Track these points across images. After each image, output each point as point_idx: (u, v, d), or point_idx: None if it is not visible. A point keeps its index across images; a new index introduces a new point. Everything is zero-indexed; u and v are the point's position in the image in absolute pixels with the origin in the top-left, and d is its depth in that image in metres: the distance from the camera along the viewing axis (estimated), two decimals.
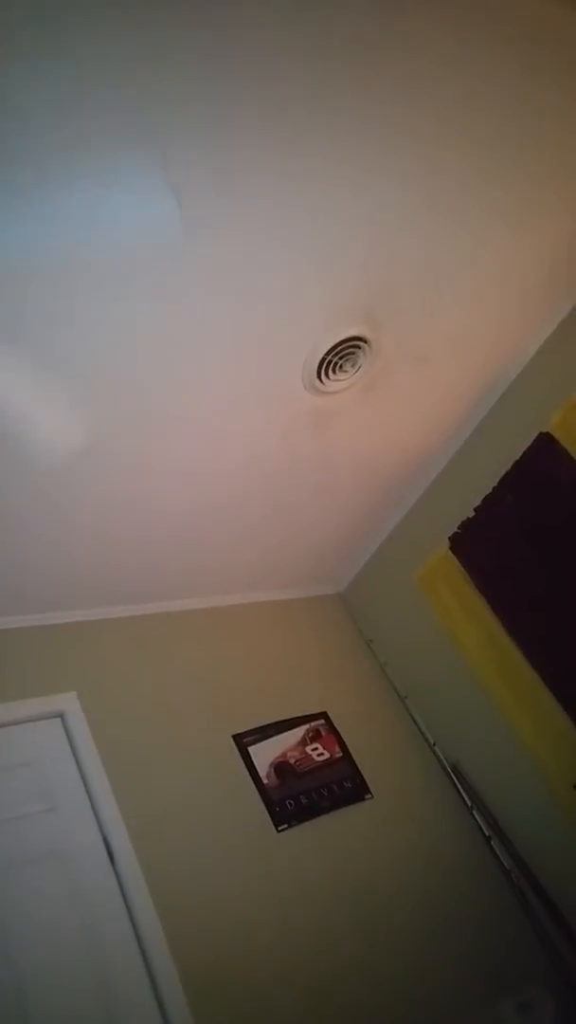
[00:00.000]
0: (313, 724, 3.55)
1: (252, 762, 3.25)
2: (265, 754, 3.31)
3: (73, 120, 1.66)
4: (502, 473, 3.32)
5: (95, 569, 3.22)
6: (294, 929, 2.76)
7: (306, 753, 3.41)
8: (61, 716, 2.96)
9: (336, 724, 3.60)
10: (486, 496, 3.39)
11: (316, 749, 3.45)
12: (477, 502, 3.43)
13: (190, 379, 2.52)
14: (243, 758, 3.25)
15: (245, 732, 3.34)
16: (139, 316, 2.20)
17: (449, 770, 3.64)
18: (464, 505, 3.49)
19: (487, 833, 3.40)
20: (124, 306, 2.14)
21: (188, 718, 3.26)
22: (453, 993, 2.85)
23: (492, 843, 3.37)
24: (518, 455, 3.25)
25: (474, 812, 3.47)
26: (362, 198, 2.22)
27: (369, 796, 3.37)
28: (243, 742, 3.30)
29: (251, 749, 3.29)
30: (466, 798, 3.52)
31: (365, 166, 2.13)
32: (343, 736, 3.56)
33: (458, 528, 3.52)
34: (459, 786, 3.57)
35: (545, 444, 3.13)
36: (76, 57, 1.57)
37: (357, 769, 3.46)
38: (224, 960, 2.57)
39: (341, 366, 2.75)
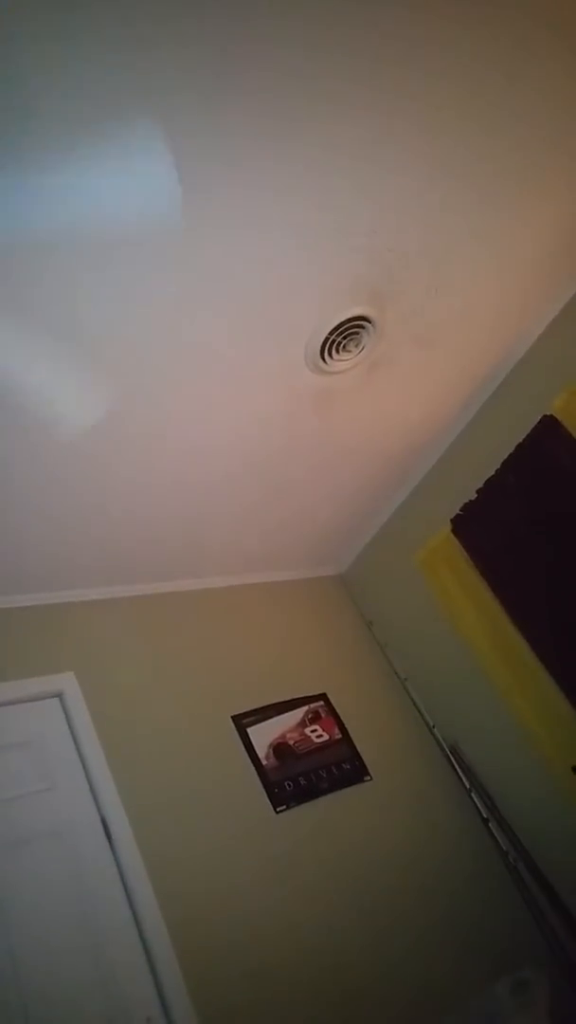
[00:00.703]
0: (312, 706, 3.54)
1: (251, 743, 3.25)
2: (264, 735, 3.31)
3: (71, 86, 1.61)
4: (505, 455, 3.29)
5: (95, 548, 3.20)
6: (292, 909, 2.78)
7: (305, 735, 3.41)
8: (60, 696, 2.95)
9: (335, 706, 3.60)
10: (488, 478, 3.37)
11: (315, 731, 3.45)
12: (479, 484, 3.41)
13: (192, 358, 2.49)
14: (242, 739, 3.25)
15: (244, 713, 3.34)
16: (140, 296, 2.16)
17: (448, 752, 3.64)
18: (466, 487, 3.47)
19: (485, 815, 3.41)
20: (125, 287, 2.10)
21: (187, 699, 3.26)
22: (450, 973, 2.87)
23: (490, 825, 3.39)
24: (521, 437, 3.22)
25: (472, 794, 3.48)
26: (366, 178, 2.18)
27: (368, 778, 3.38)
28: (242, 723, 3.30)
29: (250, 730, 3.29)
30: (464, 780, 3.53)
31: (369, 143, 2.09)
32: (342, 718, 3.57)
33: (460, 510, 3.50)
34: (458, 768, 3.57)
35: (548, 427, 3.10)
36: (75, 23, 1.52)
37: (356, 751, 3.46)
38: (222, 940, 2.57)
39: (345, 346, 2.72)
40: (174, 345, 2.39)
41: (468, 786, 3.51)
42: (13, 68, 1.53)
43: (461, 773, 3.55)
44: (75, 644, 3.17)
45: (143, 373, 2.44)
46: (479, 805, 3.45)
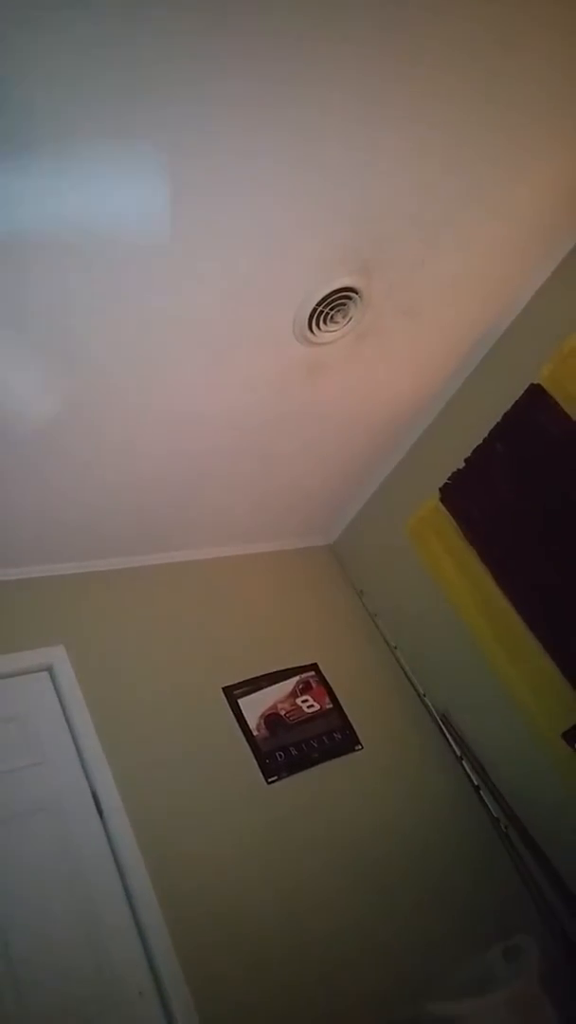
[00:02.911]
0: (303, 676, 3.56)
1: (242, 714, 3.26)
2: (255, 706, 3.32)
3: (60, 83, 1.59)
4: (493, 424, 3.28)
5: (84, 521, 3.17)
6: (284, 879, 2.81)
7: (296, 705, 3.43)
8: (49, 669, 2.95)
9: (326, 676, 3.61)
10: (476, 447, 3.35)
11: (306, 701, 3.47)
12: (468, 453, 3.39)
13: (179, 330, 2.46)
14: (233, 710, 3.26)
15: (235, 684, 3.35)
16: (127, 268, 2.13)
17: (438, 720, 3.67)
18: (455, 456, 3.46)
19: (476, 782, 3.45)
20: (113, 259, 2.07)
21: (178, 671, 3.26)
22: (442, 939, 2.91)
23: (481, 792, 3.42)
24: (509, 406, 3.20)
25: (463, 762, 3.51)
26: (352, 146, 2.13)
27: (359, 747, 3.40)
28: (233, 694, 3.31)
29: (241, 701, 3.30)
30: (455, 748, 3.56)
31: (355, 113, 2.04)
32: (333, 688, 3.58)
33: (448, 479, 3.49)
34: (448, 736, 3.60)
35: (536, 395, 3.09)
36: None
37: (347, 720, 3.48)
38: (213, 911, 2.60)
39: (332, 317, 2.70)
40: (160, 316, 2.36)
41: (459, 754, 3.54)
42: None
43: (452, 741, 3.58)
44: (65, 617, 3.16)
45: (131, 345, 2.41)
46: (470, 773, 3.48)
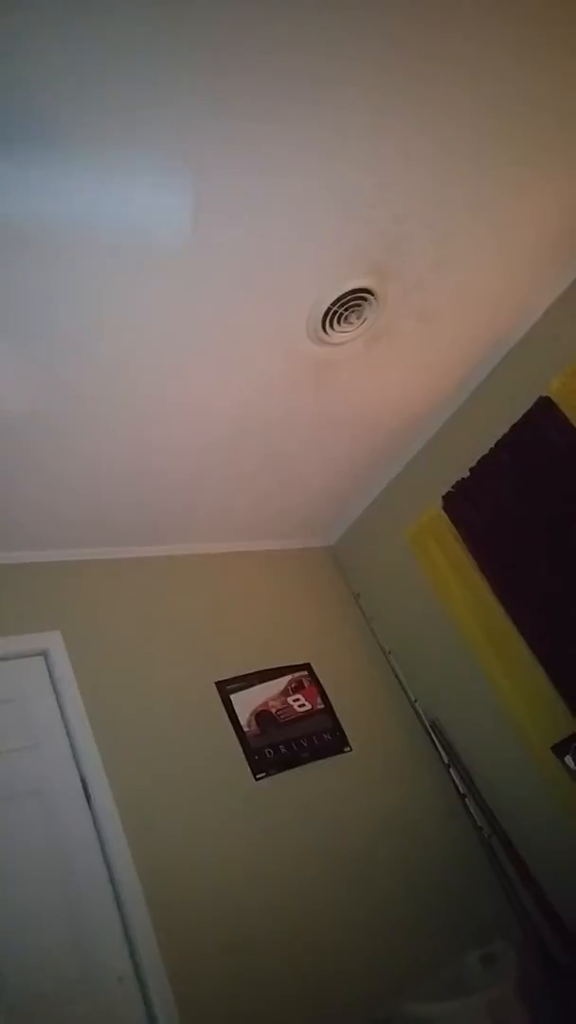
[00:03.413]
0: (296, 675, 3.56)
1: (234, 710, 3.26)
2: (247, 702, 3.33)
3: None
4: (500, 435, 3.29)
5: (86, 508, 3.18)
6: (267, 875, 2.81)
7: (288, 704, 3.43)
8: (44, 655, 2.96)
9: (319, 676, 3.62)
10: (482, 457, 3.36)
11: (298, 700, 3.47)
12: (473, 462, 3.40)
13: (194, 324, 2.47)
14: (225, 705, 3.26)
15: (228, 680, 3.35)
16: (144, 262, 2.15)
17: (428, 727, 3.67)
18: (460, 465, 3.47)
19: (462, 791, 3.46)
20: (130, 255, 2.10)
21: (172, 663, 3.27)
22: (422, 943, 2.92)
23: (466, 801, 3.43)
24: (517, 417, 3.21)
25: (451, 770, 3.52)
26: (373, 147, 2.15)
27: (348, 749, 3.41)
28: (226, 689, 3.32)
29: (233, 697, 3.31)
30: (443, 755, 3.57)
31: (376, 113, 2.06)
32: (325, 688, 3.59)
33: (452, 487, 3.50)
34: (437, 743, 3.61)
35: (544, 408, 3.09)
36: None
37: (337, 722, 3.49)
38: (196, 903, 2.61)
39: (346, 318, 2.71)
40: (175, 310, 2.37)
41: (447, 761, 3.55)
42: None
43: (440, 748, 3.59)
44: (62, 604, 3.17)
45: (144, 339, 2.42)
46: (456, 781, 3.49)
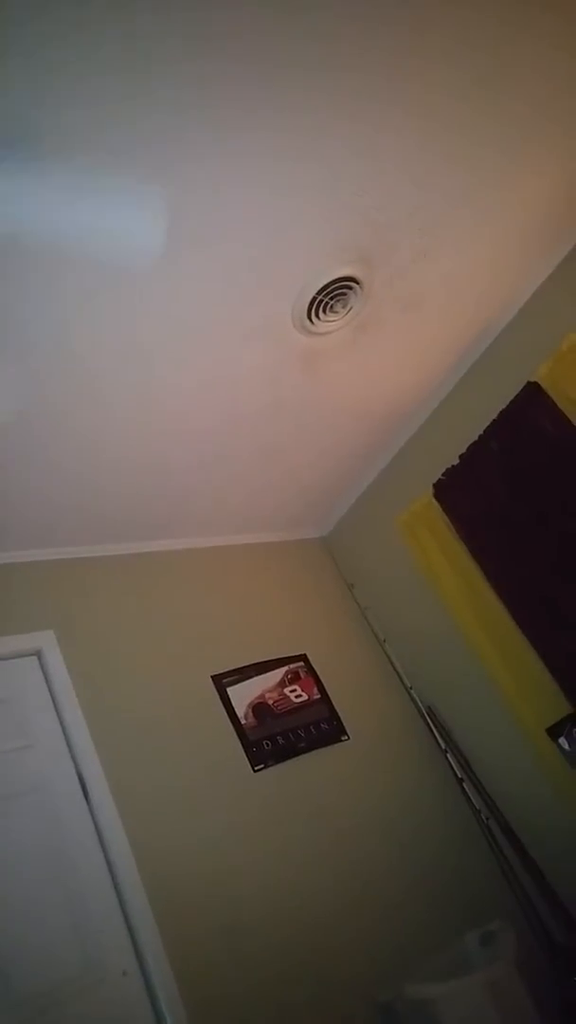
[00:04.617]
0: (292, 666, 3.58)
1: (230, 703, 3.27)
2: (244, 695, 3.34)
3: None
4: (488, 421, 3.29)
5: (77, 506, 3.17)
6: (268, 866, 2.82)
7: (284, 694, 3.45)
8: (38, 654, 2.95)
9: (315, 666, 3.63)
10: (471, 444, 3.37)
11: (294, 691, 3.49)
12: (462, 450, 3.41)
13: (178, 314, 2.45)
14: (221, 699, 3.27)
15: (224, 673, 3.36)
16: (127, 256, 2.13)
17: (424, 713, 3.70)
18: (449, 452, 3.47)
19: (459, 775, 3.48)
20: (111, 244, 2.06)
21: (167, 658, 3.27)
22: (423, 926, 2.95)
23: (464, 785, 3.46)
24: (505, 404, 3.22)
25: (448, 755, 3.55)
26: (355, 135, 2.14)
27: (346, 738, 3.43)
28: (222, 683, 3.32)
29: (230, 690, 3.32)
30: (440, 741, 3.59)
31: (359, 100, 2.05)
32: (321, 678, 3.60)
33: (442, 475, 3.51)
34: (434, 729, 3.63)
35: (532, 394, 3.10)
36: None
37: (335, 711, 3.51)
38: (198, 896, 2.62)
39: (332, 307, 2.70)
40: (160, 301, 2.36)
41: (444, 747, 3.57)
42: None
43: (437, 734, 3.62)
44: (55, 602, 3.16)
45: (127, 332, 2.41)
46: (454, 765, 3.52)
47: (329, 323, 2.77)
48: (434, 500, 3.55)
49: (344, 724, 3.48)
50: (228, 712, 3.24)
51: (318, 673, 3.61)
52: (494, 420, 3.27)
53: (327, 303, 2.67)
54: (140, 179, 1.93)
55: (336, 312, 2.73)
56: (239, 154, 2.02)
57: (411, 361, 3.33)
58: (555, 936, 3.02)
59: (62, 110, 1.69)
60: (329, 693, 3.57)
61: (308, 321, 2.71)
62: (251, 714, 3.28)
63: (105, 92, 1.70)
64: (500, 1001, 2.54)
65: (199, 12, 1.65)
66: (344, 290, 2.65)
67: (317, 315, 2.70)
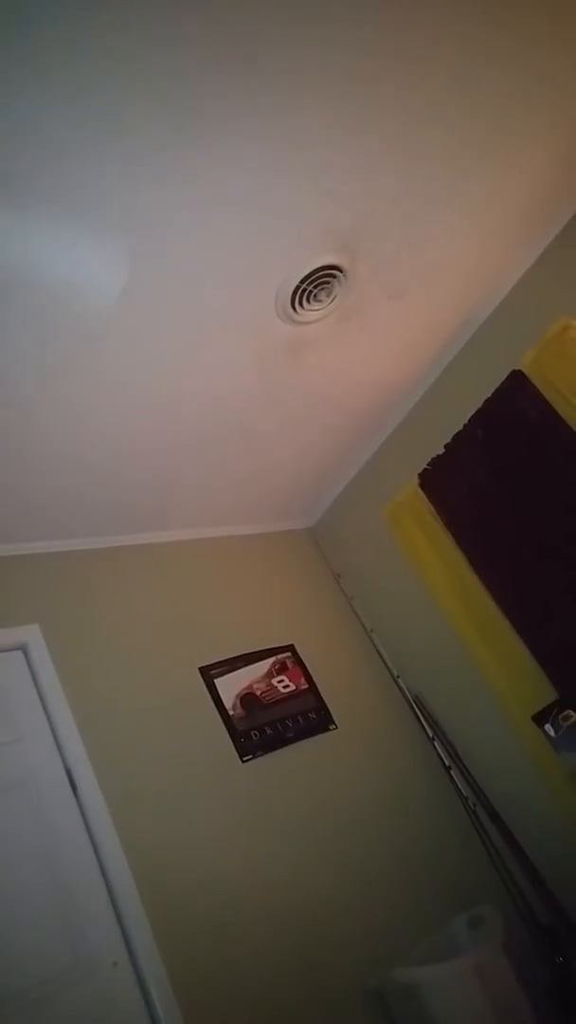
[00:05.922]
0: (280, 657, 3.58)
1: (218, 694, 3.27)
2: (231, 686, 3.34)
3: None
4: (473, 410, 3.30)
5: (60, 499, 3.14)
6: (258, 856, 2.83)
7: (272, 685, 3.45)
8: (23, 648, 2.94)
9: (303, 657, 3.64)
10: (456, 433, 3.37)
11: (282, 681, 3.49)
12: (448, 439, 3.41)
13: (160, 305, 2.43)
14: (209, 690, 3.27)
15: (212, 664, 3.36)
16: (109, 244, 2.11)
17: (412, 702, 3.71)
18: (435, 441, 3.48)
19: (447, 763, 3.50)
20: (90, 231, 2.06)
21: (154, 651, 3.26)
22: (412, 912, 2.99)
23: (451, 772, 3.48)
24: (490, 392, 3.22)
25: (435, 743, 3.57)
26: (337, 122, 2.13)
27: (333, 727, 3.44)
28: (210, 674, 3.32)
29: (217, 681, 3.32)
30: (427, 729, 3.61)
31: (338, 90, 2.03)
32: (309, 668, 3.61)
33: (427, 464, 3.51)
34: (421, 718, 3.65)
35: (517, 382, 3.11)
36: None
37: (322, 701, 3.52)
38: (187, 887, 2.63)
39: (316, 295, 2.68)
40: (142, 290, 2.33)
41: (431, 735, 3.59)
42: None
43: (424, 722, 3.63)
44: (40, 596, 3.14)
45: (108, 324, 2.38)
46: (441, 753, 3.54)
47: (313, 312, 2.75)
48: (420, 489, 3.55)
49: (332, 713, 3.49)
50: (216, 703, 3.24)
51: (306, 663, 3.62)
52: (479, 409, 3.27)
53: (311, 292, 2.65)
54: (123, 159, 1.91)
55: (320, 301, 2.71)
56: (222, 139, 1.99)
57: (396, 350, 3.32)
58: (541, 918, 3.05)
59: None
60: (317, 683, 3.57)
61: (292, 310, 2.69)
62: (239, 705, 3.29)
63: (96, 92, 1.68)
64: (488, 983, 2.58)
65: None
66: (328, 279, 2.63)
67: (301, 304, 2.68)
